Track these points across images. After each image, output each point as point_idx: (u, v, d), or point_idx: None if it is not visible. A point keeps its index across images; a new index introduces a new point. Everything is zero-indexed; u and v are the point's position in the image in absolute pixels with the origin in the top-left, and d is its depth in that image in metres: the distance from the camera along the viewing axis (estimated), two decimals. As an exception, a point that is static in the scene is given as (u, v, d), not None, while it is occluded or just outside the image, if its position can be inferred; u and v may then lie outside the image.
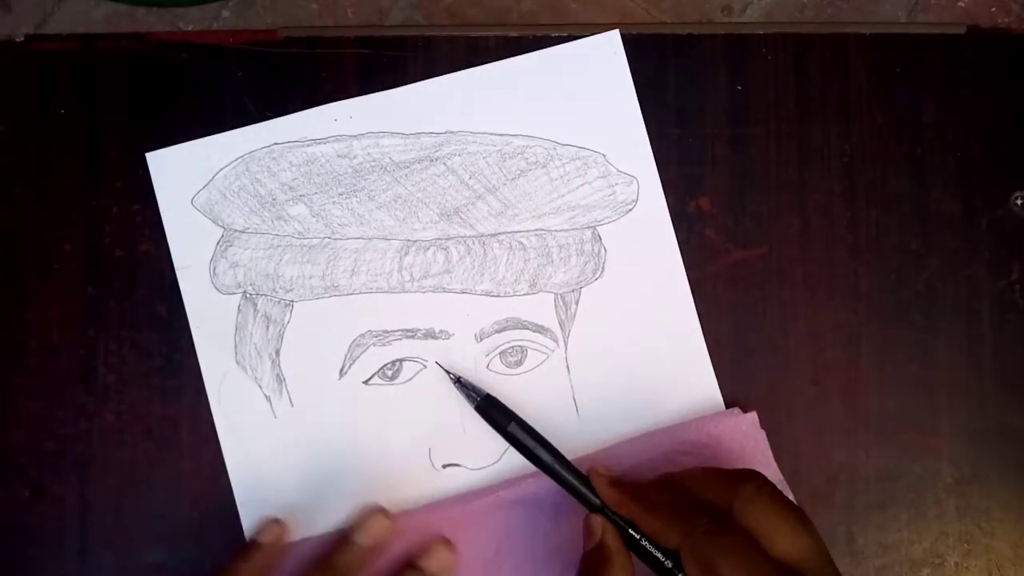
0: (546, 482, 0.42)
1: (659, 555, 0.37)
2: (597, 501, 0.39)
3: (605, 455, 0.43)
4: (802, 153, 0.46)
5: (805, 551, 0.34)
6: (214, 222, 0.45)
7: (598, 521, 0.39)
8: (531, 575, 0.43)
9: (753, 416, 0.44)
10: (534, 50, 0.46)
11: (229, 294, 0.44)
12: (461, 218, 0.45)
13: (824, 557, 0.34)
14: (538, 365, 0.45)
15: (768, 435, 0.44)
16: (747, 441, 0.43)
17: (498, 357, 0.44)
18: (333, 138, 0.45)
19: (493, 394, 0.42)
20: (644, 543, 0.38)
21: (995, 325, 0.46)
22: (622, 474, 0.40)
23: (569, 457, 0.41)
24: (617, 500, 0.39)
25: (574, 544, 0.42)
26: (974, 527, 0.45)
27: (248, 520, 0.43)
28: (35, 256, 0.45)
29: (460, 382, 0.43)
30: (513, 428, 0.41)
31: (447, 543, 0.42)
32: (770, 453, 0.44)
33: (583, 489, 0.40)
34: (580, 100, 0.46)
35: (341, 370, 0.44)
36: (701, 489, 0.37)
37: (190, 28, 1.12)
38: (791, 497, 0.44)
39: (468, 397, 0.42)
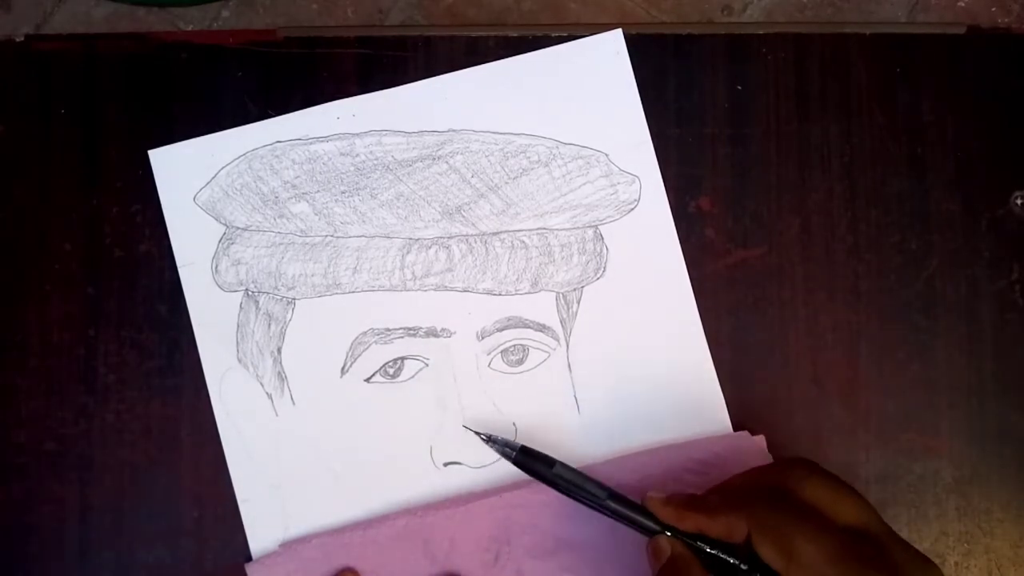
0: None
1: (733, 560, 0.36)
2: (654, 525, 0.38)
3: (608, 467, 0.43)
4: (802, 153, 0.47)
5: (868, 516, 0.35)
6: (216, 219, 0.45)
7: (664, 540, 0.38)
8: (531, 575, 0.43)
9: (761, 440, 0.44)
10: (534, 50, 0.46)
11: (231, 292, 0.44)
12: (463, 216, 0.45)
13: (884, 523, 0.35)
14: (539, 364, 0.45)
15: (768, 434, 0.44)
16: (753, 463, 0.43)
17: (499, 356, 0.44)
18: (336, 136, 0.45)
19: (527, 443, 0.41)
20: (715, 552, 0.37)
21: (995, 325, 0.46)
22: (673, 493, 0.39)
23: (572, 462, 0.40)
24: (676, 516, 0.38)
25: (574, 544, 0.42)
26: (974, 527, 0.45)
27: (249, 519, 0.43)
28: (35, 256, 0.45)
29: (492, 440, 0.41)
30: (558, 470, 0.40)
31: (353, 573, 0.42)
32: None
33: (638, 517, 0.39)
34: (582, 99, 0.46)
35: (343, 368, 0.44)
36: (748, 482, 0.38)
37: (190, 28, 1.12)
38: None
39: (503, 454, 0.41)
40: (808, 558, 0.33)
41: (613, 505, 0.39)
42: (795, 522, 0.34)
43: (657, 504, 0.38)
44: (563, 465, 0.40)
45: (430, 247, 0.45)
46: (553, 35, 0.46)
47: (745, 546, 0.35)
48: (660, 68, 0.47)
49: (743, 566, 0.36)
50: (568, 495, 0.40)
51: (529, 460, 0.40)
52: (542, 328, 0.45)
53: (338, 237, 0.44)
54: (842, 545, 0.34)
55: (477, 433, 0.42)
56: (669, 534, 0.38)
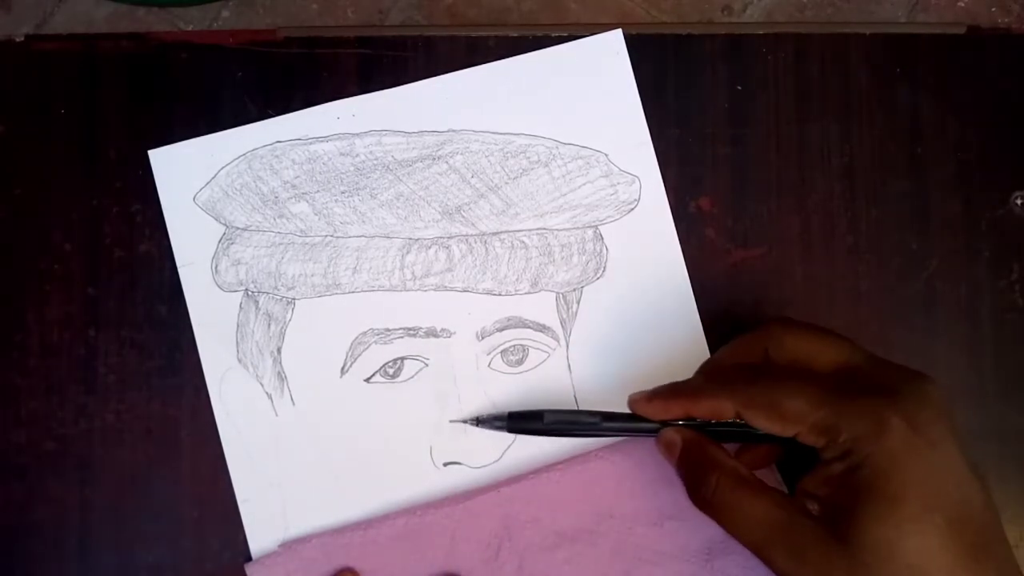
0: (545, 477, 0.42)
1: (737, 428, 0.37)
2: (653, 424, 0.38)
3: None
4: (802, 153, 0.47)
5: (849, 352, 0.35)
6: (216, 219, 0.45)
7: (671, 433, 0.38)
8: (532, 571, 0.43)
9: None
10: (534, 50, 0.46)
11: (231, 292, 0.44)
12: (463, 216, 0.45)
13: (865, 351, 0.36)
14: (539, 364, 0.45)
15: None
16: None
17: (499, 356, 0.45)
18: (336, 136, 0.45)
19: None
20: (722, 428, 0.37)
21: (995, 325, 0.46)
22: (655, 388, 0.38)
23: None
24: (663, 409, 0.37)
25: (575, 537, 0.43)
26: (974, 527, 0.45)
27: (249, 519, 0.43)
28: (35, 256, 0.45)
29: (480, 421, 0.42)
30: (549, 418, 0.40)
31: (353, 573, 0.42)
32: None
33: (636, 424, 0.39)
34: (582, 99, 0.46)
35: (343, 368, 0.44)
36: (733, 357, 0.38)
37: (190, 28, 1.12)
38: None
39: (497, 428, 0.42)
40: (794, 412, 0.33)
41: (610, 425, 0.40)
42: (778, 385, 0.34)
43: (641, 404, 0.38)
44: (551, 411, 0.41)
45: (430, 247, 0.45)
46: (553, 35, 0.46)
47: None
48: (660, 68, 0.47)
49: (754, 431, 0.36)
50: (570, 435, 0.41)
51: (521, 422, 0.41)
52: (542, 328, 0.45)
53: (338, 237, 0.44)
54: (824, 389, 0.34)
55: (464, 421, 0.42)
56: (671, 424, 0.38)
